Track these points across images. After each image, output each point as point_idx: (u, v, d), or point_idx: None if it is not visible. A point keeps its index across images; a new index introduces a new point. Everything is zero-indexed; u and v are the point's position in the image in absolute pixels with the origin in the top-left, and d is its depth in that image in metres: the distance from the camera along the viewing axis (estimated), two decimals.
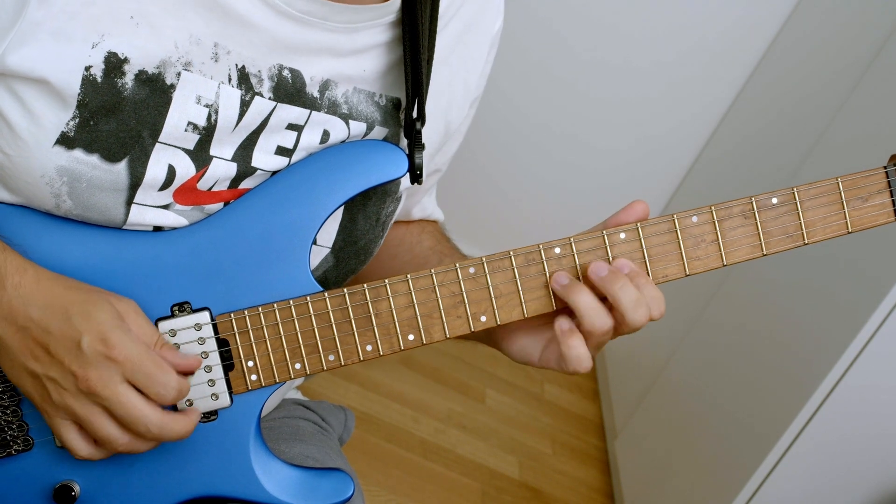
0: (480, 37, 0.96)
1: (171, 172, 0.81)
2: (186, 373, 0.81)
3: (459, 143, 1.05)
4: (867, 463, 1.68)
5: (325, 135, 0.87)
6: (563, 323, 0.84)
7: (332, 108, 0.86)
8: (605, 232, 0.85)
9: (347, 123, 0.87)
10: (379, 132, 0.90)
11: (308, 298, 0.85)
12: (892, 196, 0.86)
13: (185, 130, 0.81)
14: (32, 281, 0.78)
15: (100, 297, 0.78)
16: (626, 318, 0.82)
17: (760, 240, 0.86)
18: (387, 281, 0.85)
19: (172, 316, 0.84)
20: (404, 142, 0.91)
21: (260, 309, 0.84)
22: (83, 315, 0.76)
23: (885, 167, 0.87)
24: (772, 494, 1.70)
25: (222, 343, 0.85)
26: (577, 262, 0.85)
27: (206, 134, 0.82)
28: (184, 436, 0.80)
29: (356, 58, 0.86)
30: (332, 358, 0.86)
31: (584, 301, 0.83)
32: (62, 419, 0.79)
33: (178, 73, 0.79)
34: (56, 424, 0.80)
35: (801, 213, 0.86)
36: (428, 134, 0.93)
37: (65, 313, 0.76)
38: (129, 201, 0.81)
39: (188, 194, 0.83)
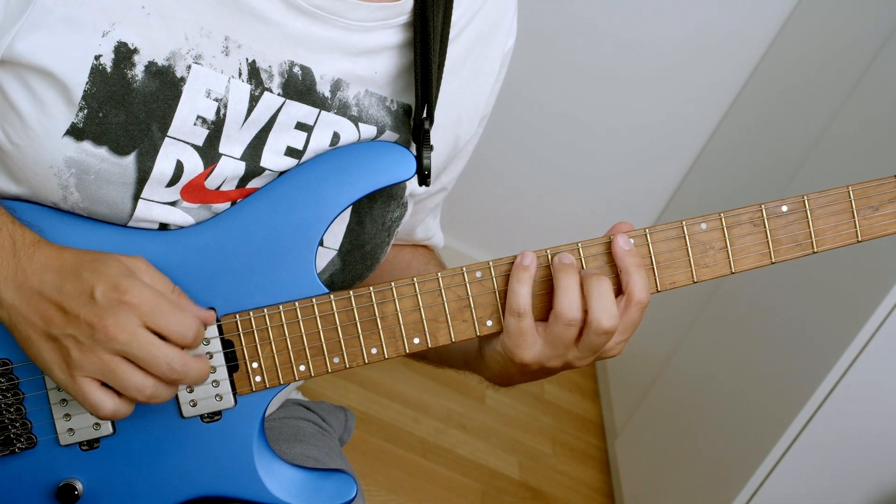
0: (492, 52, 0.95)
1: (179, 168, 0.81)
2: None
3: (466, 162, 1.04)
4: (867, 463, 1.68)
5: (336, 137, 0.87)
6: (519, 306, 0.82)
7: (343, 110, 0.86)
8: (613, 237, 0.85)
9: (357, 126, 0.87)
10: (389, 137, 0.90)
11: (313, 300, 0.84)
12: None
13: (195, 124, 0.81)
14: (46, 250, 0.78)
15: (108, 255, 0.78)
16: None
17: (769, 248, 0.85)
18: (393, 284, 0.84)
19: None
20: (414, 147, 0.90)
21: (265, 310, 0.84)
22: (93, 270, 0.76)
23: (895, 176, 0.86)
24: (772, 494, 1.70)
25: (227, 344, 0.85)
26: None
27: (215, 129, 0.82)
28: (203, 379, 0.80)
29: (368, 58, 0.85)
30: (336, 360, 0.85)
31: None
32: (83, 377, 0.77)
33: (189, 66, 0.79)
34: (78, 386, 0.77)
35: (810, 222, 0.85)
36: (436, 143, 0.93)
37: (76, 271, 0.76)
38: (137, 196, 0.81)
39: (196, 192, 0.83)
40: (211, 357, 0.84)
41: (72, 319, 0.76)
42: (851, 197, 0.85)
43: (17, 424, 0.84)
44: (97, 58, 0.77)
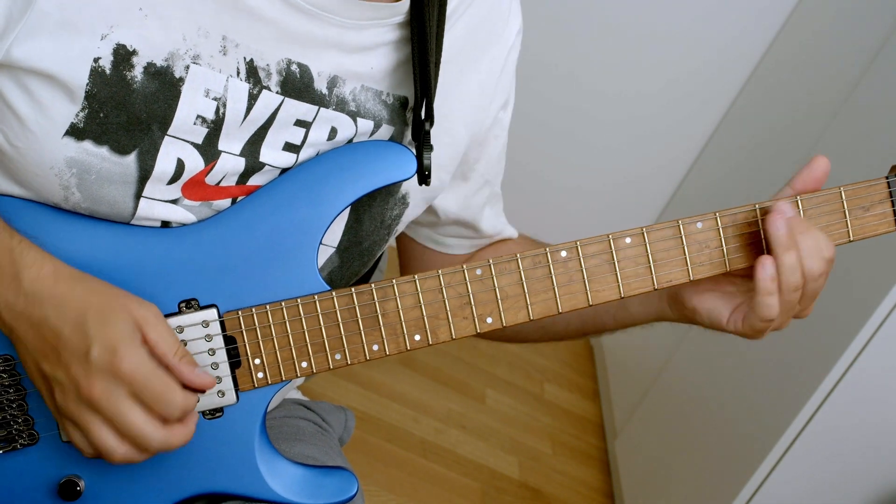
0: (493, 37, 0.95)
1: (180, 166, 0.82)
2: (197, 389, 0.81)
3: (500, 150, 1.03)
4: (867, 463, 1.68)
5: (333, 132, 0.87)
6: (767, 268, 0.84)
7: (341, 106, 0.87)
8: (610, 236, 0.86)
9: (355, 121, 0.88)
10: (386, 131, 0.90)
11: (315, 297, 0.85)
12: (893, 206, 0.87)
13: (194, 124, 0.81)
14: (50, 276, 0.77)
15: (119, 305, 0.78)
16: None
17: (764, 246, 0.86)
18: (394, 281, 0.85)
19: (180, 312, 0.84)
20: (410, 139, 0.91)
21: (267, 307, 0.85)
22: (98, 323, 0.76)
23: (886, 177, 0.87)
24: (772, 494, 1.70)
25: (229, 340, 0.85)
26: (584, 265, 0.86)
27: (215, 127, 0.82)
28: (185, 444, 0.81)
29: (363, 55, 0.86)
30: (338, 357, 0.86)
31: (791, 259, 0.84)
32: (64, 419, 0.80)
33: (187, 67, 0.79)
34: (62, 423, 0.80)
35: None
36: (438, 135, 0.93)
37: (80, 318, 0.76)
38: (138, 195, 0.82)
39: (196, 189, 0.84)
40: (213, 353, 0.85)
41: (62, 367, 0.76)
42: (843, 198, 0.86)
43: (20, 421, 0.85)
44: (96, 60, 0.77)
